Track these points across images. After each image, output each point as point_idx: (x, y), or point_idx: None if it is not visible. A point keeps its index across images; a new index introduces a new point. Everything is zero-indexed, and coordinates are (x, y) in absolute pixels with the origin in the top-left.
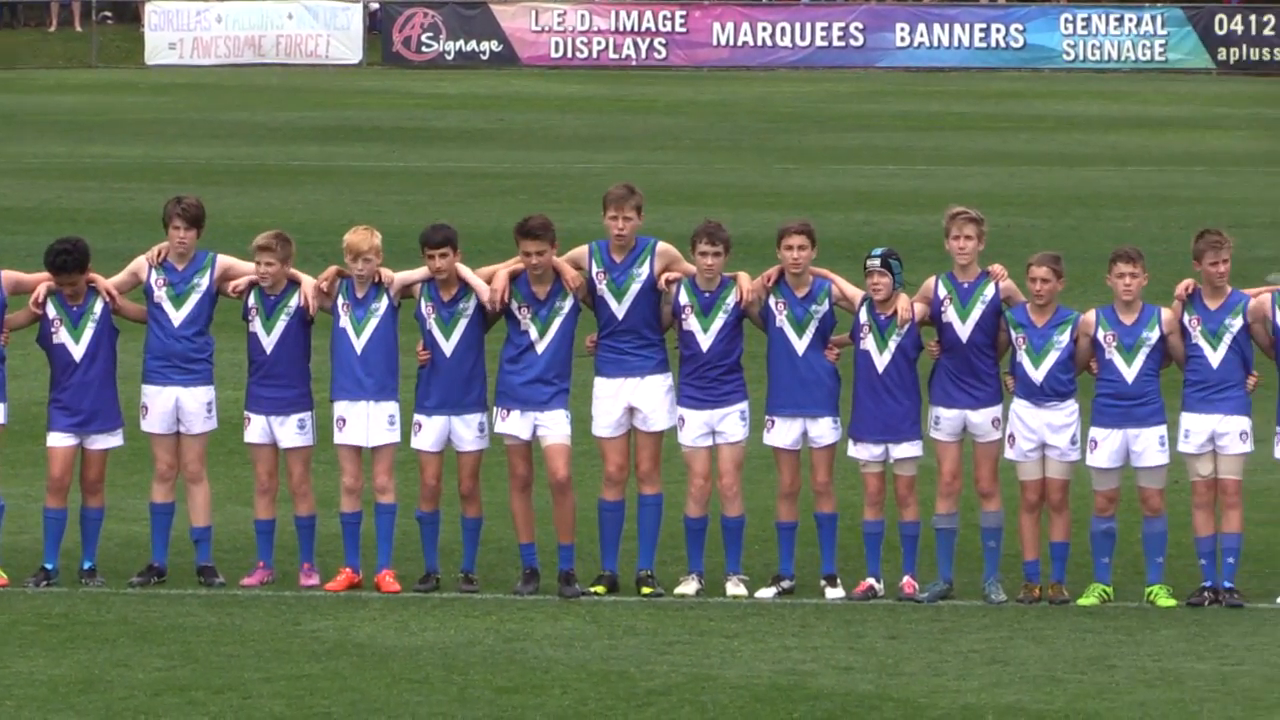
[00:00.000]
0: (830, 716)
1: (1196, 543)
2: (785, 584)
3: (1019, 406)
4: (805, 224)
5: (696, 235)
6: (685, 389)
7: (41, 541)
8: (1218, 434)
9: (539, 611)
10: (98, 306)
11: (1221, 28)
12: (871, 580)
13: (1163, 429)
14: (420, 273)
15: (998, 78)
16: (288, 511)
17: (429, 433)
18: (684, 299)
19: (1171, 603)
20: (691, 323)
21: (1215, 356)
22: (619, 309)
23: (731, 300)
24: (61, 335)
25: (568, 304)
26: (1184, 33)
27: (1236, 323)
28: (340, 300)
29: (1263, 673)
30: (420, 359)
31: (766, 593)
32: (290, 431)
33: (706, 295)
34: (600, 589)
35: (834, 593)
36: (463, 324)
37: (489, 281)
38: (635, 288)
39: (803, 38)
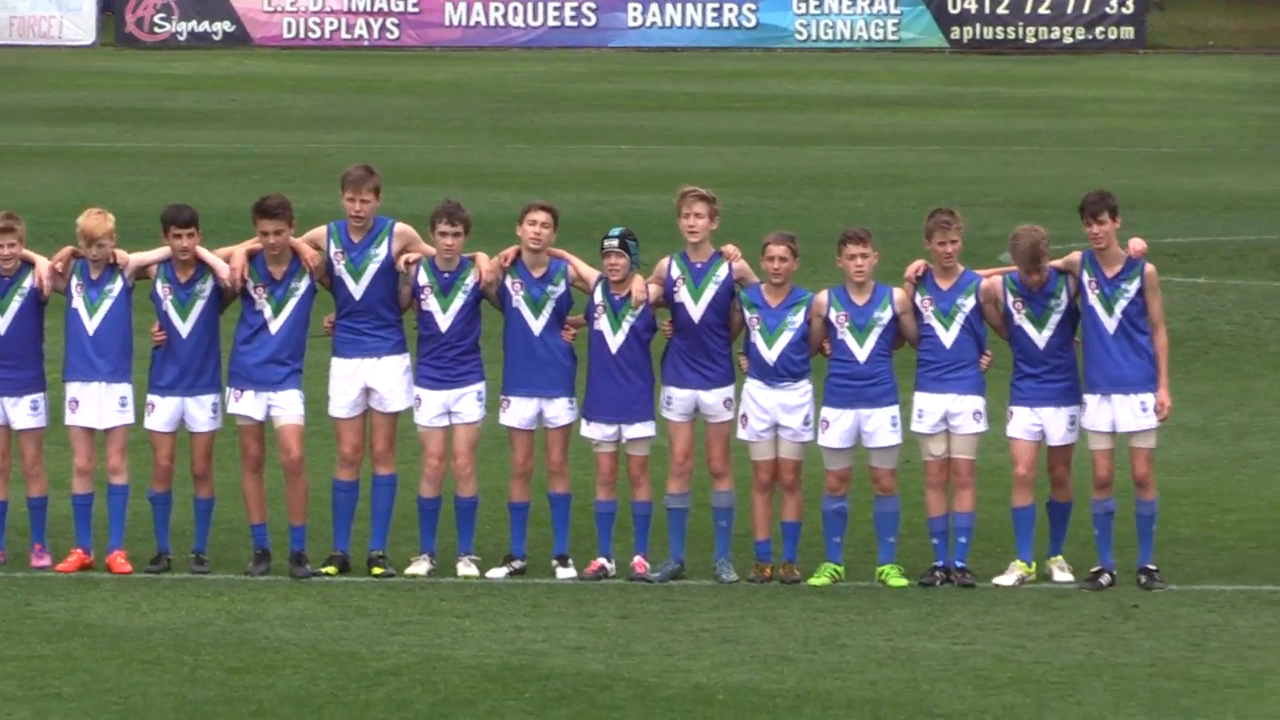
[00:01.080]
0: (561, 696)
1: (929, 522)
2: (517, 564)
3: (752, 387)
4: (548, 203)
5: (436, 215)
6: (423, 369)
7: None
8: (951, 414)
9: (270, 592)
10: None
11: (955, 6)
12: (603, 560)
13: (895, 409)
14: (157, 254)
15: (730, 57)
16: (21, 492)
17: (162, 413)
18: (423, 279)
19: (903, 582)
20: (430, 303)
21: (948, 336)
22: (356, 289)
23: (470, 281)
24: None
25: (304, 284)
26: (917, 11)
27: (969, 302)
28: (74, 281)
29: (994, 652)
30: (155, 340)
31: (498, 573)
32: (23, 413)
33: (446, 276)
34: (332, 569)
35: (565, 572)
36: (199, 305)
37: (227, 261)
38: (373, 268)
39: (535, 18)
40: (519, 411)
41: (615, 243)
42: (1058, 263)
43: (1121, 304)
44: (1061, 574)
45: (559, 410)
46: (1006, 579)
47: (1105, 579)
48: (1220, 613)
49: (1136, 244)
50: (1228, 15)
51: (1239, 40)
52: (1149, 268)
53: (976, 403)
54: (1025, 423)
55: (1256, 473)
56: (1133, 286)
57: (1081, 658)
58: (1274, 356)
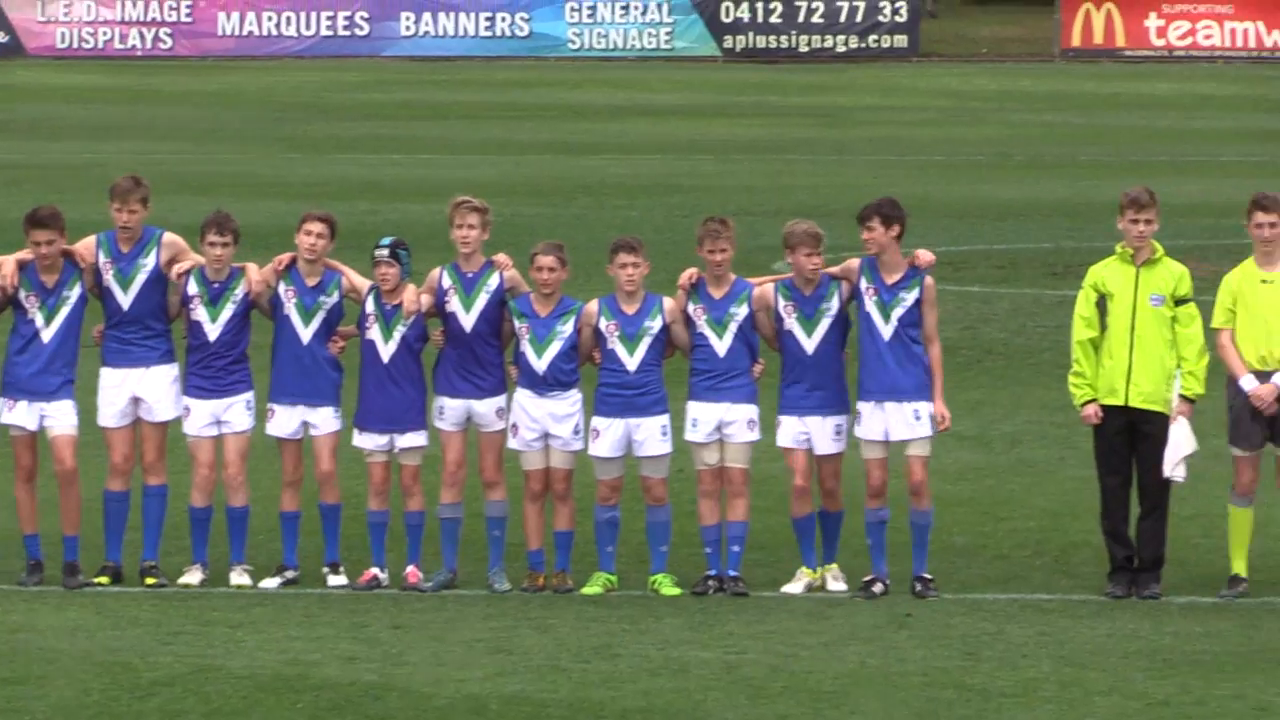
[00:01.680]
0: (334, 706)
1: (701, 531)
2: (289, 574)
3: (522, 396)
4: (326, 214)
5: (205, 225)
6: (192, 379)
7: None
8: (725, 422)
9: (43, 603)
10: None
11: (728, 15)
12: (376, 570)
13: (665, 418)
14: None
15: (503, 66)
16: None
17: None
18: (192, 289)
19: (676, 591)
20: (199, 313)
21: (721, 345)
22: (125, 299)
23: (240, 291)
24: None
25: (75, 293)
26: (690, 20)
27: (741, 311)
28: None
29: (767, 661)
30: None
31: (271, 582)
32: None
33: (215, 286)
34: (104, 579)
35: (336, 580)
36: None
37: None
38: (141, 278)
39: (308, 27)
40: (284, 420)
41: (386, 252)
42: (834, 269)
43: (898, 312)
44: (835, 583)
45: (324, 419)
46: (794, 586)
47: (879, 588)
48: (994, 621)
49: (925, 255)
50: (1000, 23)
51: (1011, 48)
52: (928, 280)
53: (750, 411)
54: (793, 431)
55: (1030, 481)
56: (911, 296)
57: (855, 667)
58: (1047, 365)
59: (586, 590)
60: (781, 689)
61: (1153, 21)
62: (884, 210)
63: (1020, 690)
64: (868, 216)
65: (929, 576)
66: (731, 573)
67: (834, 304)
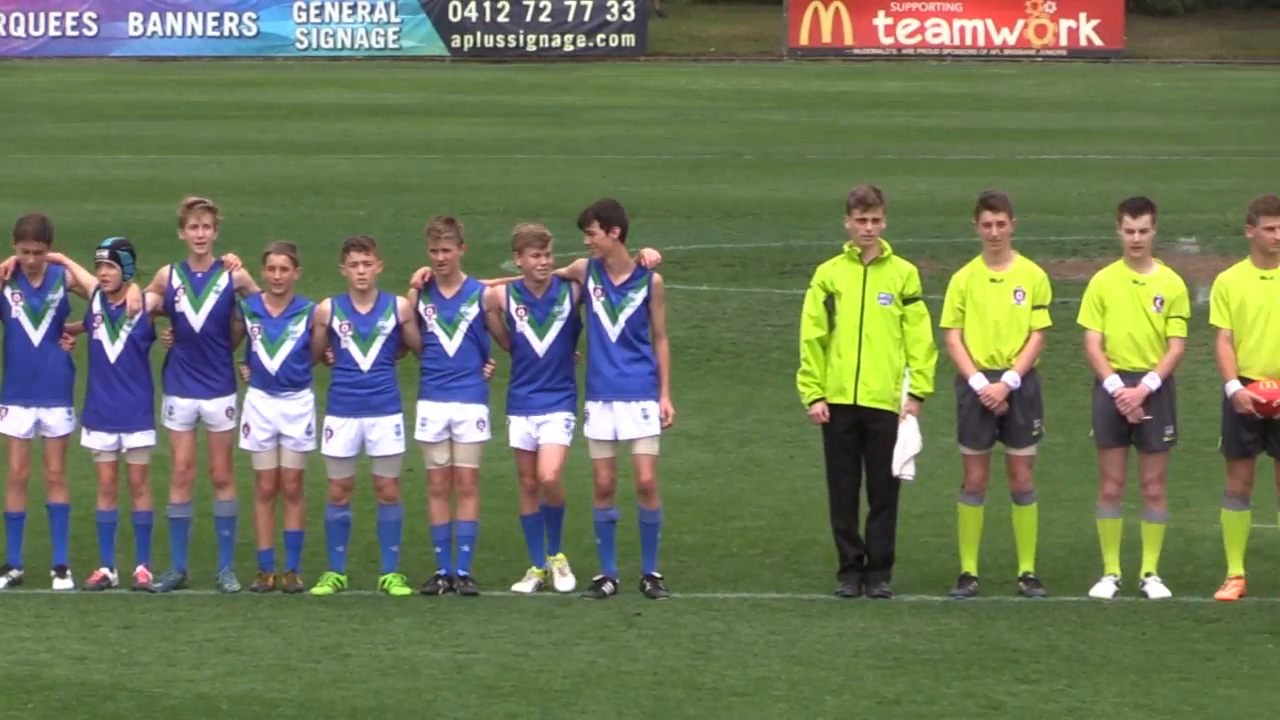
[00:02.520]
0: (65, 706)
1: (431, 530)
2: (15, 574)
3: (254, 396)
4: (38, 215)
5: None
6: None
7: None
8: (454, 422)
9: None
10: None
11: (456, 15)
12: (105, 570)
13: (398, 418)
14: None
15: (231, 66)
16: None
17: None
18: None
19: (406, 591)
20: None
21: (451, 345)
22: None
23: None
24: None
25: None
26: (418, 20)
27: (472, 311)
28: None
29: (497, 660)
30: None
31: None
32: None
33: None
34: None
35: (63, 583)
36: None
37: None
38: None
39: (36, 27)
40: (17, 421)
41: (106, 254)
42: (563, 270)
43: (627, 313)
44: (563, 579)
45: (57, 420)
46: (524, 585)
47: (608, 587)
48: (724, 620)
49: (650, 254)
50: (728, 22)
51: (740, 47)
52: (656, 278)
53: (480, 411)
54: (522, 431)
55: (759, 480)
56: (639, 296)
57: (585, 666)
58: (776, 364)
59: (316, 590)
60: (512, 688)
61: (881, 20)
62: (602, 213)
63: (751, 689)
64: (587, 221)
65: (658, 575)
66: (461, 572)
67: (565, 306)
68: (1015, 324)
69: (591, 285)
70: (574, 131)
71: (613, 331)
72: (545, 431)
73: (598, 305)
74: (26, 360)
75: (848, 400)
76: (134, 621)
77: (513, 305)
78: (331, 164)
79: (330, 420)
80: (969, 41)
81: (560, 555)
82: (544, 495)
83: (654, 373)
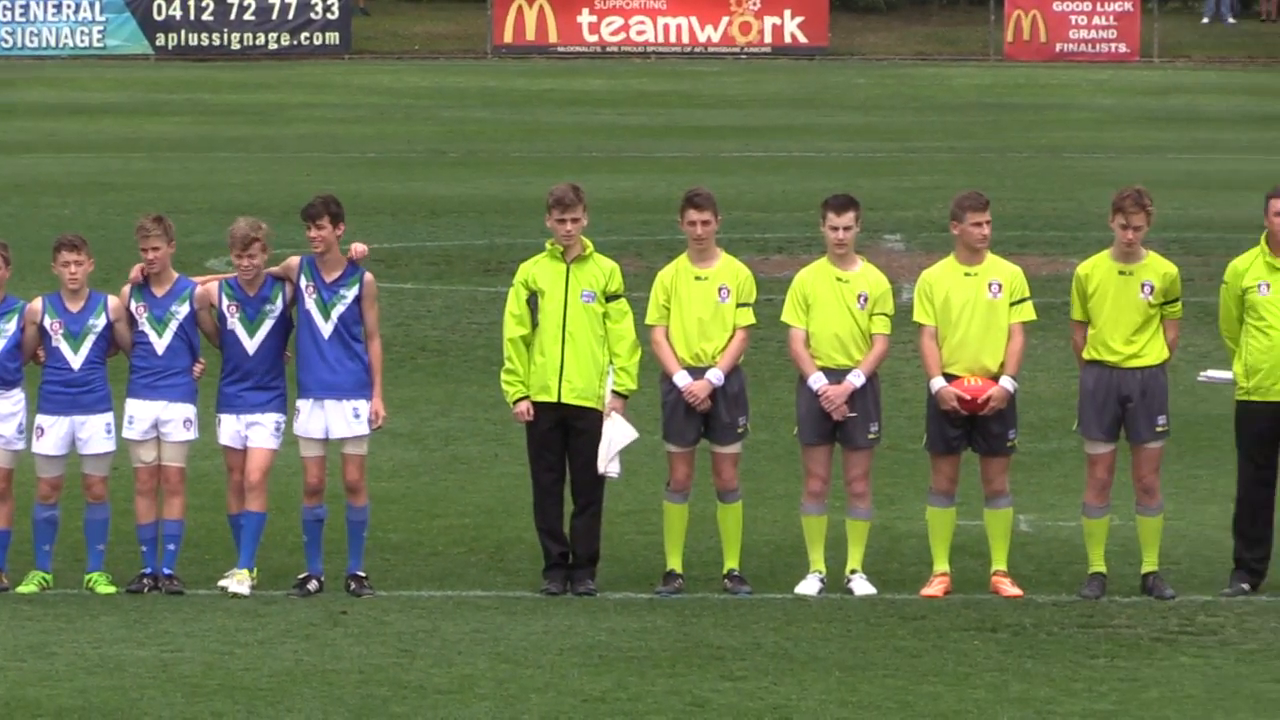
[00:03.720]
0: None
1: (137, 529)
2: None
3: None
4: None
5: None
6: None
7: None
8: (162, 420)
9: None
10: None
11: (160, 13)
12: None
13: (109, 416)
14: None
15: None
16: None
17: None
18: None
19: (112, 589)
20: None
21: (161, 343)
22: None
23: None
24: None
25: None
26: (122, 19)
27: (183, 309)
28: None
29: (202, 659)
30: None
31: None
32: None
33: None
34: None
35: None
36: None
37: None
38: None
39: None
40: (229, 430)
41: None
42: (275, 269)
43: (339, 310)
44: (239, 586)
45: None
46: (229, 583)
47: (314, 585)
48: (429, 618)
49: (358, 247)
50: (432, 20)
51: (444, 45)
52: (368, 276)
53: (187, 410)
54: (231, 430)
55: (464, 478)
56: (351, 293)
57: (290, 664)
58: (481, 361)
59: (22, 589)
60: (217, 686)
61: (585, 18)
62: (333, 208)
63: (456, 687)
64: (318, 215)
65: (363, 574)
66: (166, 571)
67: (278, 304)
68: (719, 321)
69: (304, 283)
70: (279, 130)
71: (325, 329)
72: (255, 433)
73: (310, 303)
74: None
75: (552, 398)
76: None
77: (225, 302)
78: (36, 163)
79: (41, 419)
80: (674, 39)
81: (246, 571)
82: (247, 498)
83: (366, 371)
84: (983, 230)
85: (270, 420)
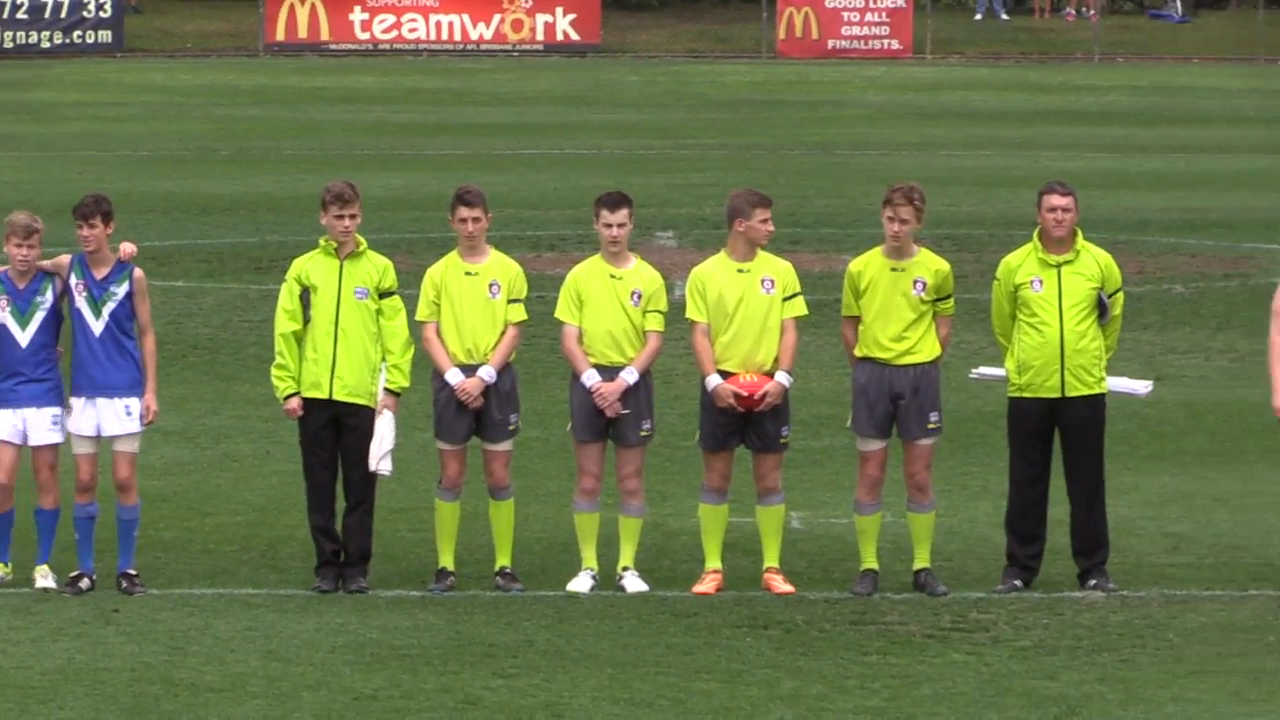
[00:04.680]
0: None
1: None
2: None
3: None
4: None
5: None
6: None
7: None
8: None
9: None
10: None
11: None
12: None
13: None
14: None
15: None
16: None
17: None
18: None
19: None
20: None
21: None
22: None
23: None
24: None
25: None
26: None
27: None
28: None
29: None
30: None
31: None
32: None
33: None
34: None
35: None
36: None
37: None
38: None
39: None
40: None
41: None
42: (46, 264)
43: (110, 307)
44: (44, 580)
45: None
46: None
47: (85, 583)
48: (201, 616)
49: (126, 247)
50: (204, 18)
51: (217, 43)
52: (138, 272)
53: None
54: (8, 424)
55: (236, 475)
56: (121, 290)
57: (63, 662)
58: (253, 359)
59: None
60: None
61: (357, 15)
62: (104, 207)
63: (228, 685)
64: (90, 214)
65: (134, 572)
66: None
67: (48, 297)
68: (490, 318)
69: (74, 280)
70: (50, 128)
71: (96, 327)
72: (34, 431)
73: (80, 300)
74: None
75: (323, 395)
76: None
77: None
78: None
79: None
80: (446, 37)
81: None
82: (40, 496)
83: (139, 368)
84: (769, 227)
85: (47, 414)
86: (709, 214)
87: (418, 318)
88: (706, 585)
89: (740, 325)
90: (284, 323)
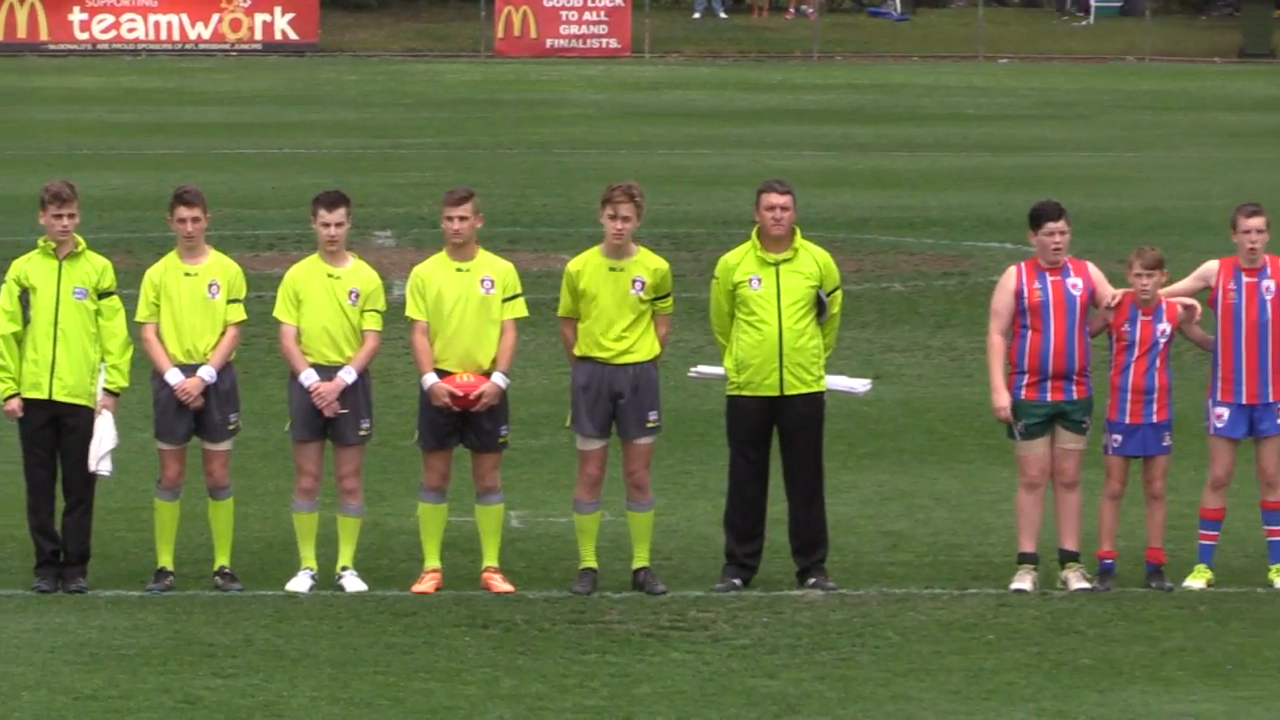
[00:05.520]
0: None
1: None
2: None
3: None
4: None
5: None
6: None
7: None
8: None
9: None
10: None
11: None
12: None
13: None
14: None
15: None
16: None
17: None
18: None
19: None
20: None
21: None
22: None
23: None
24: None
25: None
26: None
27: None
28: None
29: None
30: None
31: None
32: None
33: None
34: None
35: None
36: None
37: None
38: None
39: None
40: None
41: None
42: None
43: None
44: None
45: None
46: None
47: None
48: None
49: None
50: None
51: None
52: None
53: None
54: None
55: None
56: None
57: None
58: None
59: None
60: None
61: (76, 15)
62: None
63: None
64: None
65: None
66: None
67: None
68: (210, 318)
69: None
70: None
71: None
72: None
73: None
74: None
75: (43, 395)
76: None
77: None
78: None
79: None
80: (165, 36)
81: None
82: None
83: None
84: (454, 225)
85: None
86: (427, 213)
87: (137, 318)
88: (425, 584)
89: (459, 325)
90: (3, 324)
